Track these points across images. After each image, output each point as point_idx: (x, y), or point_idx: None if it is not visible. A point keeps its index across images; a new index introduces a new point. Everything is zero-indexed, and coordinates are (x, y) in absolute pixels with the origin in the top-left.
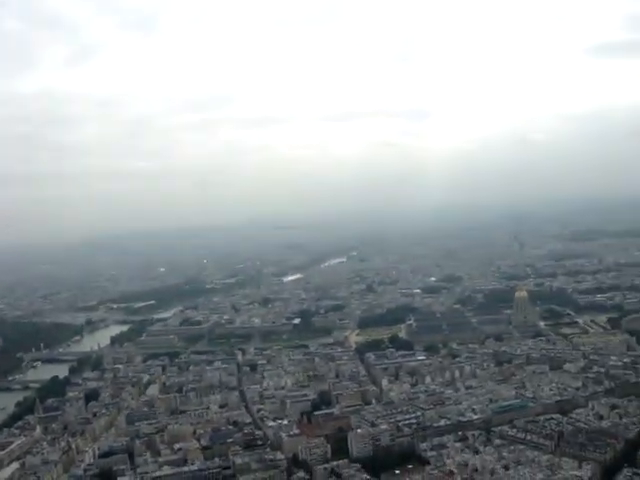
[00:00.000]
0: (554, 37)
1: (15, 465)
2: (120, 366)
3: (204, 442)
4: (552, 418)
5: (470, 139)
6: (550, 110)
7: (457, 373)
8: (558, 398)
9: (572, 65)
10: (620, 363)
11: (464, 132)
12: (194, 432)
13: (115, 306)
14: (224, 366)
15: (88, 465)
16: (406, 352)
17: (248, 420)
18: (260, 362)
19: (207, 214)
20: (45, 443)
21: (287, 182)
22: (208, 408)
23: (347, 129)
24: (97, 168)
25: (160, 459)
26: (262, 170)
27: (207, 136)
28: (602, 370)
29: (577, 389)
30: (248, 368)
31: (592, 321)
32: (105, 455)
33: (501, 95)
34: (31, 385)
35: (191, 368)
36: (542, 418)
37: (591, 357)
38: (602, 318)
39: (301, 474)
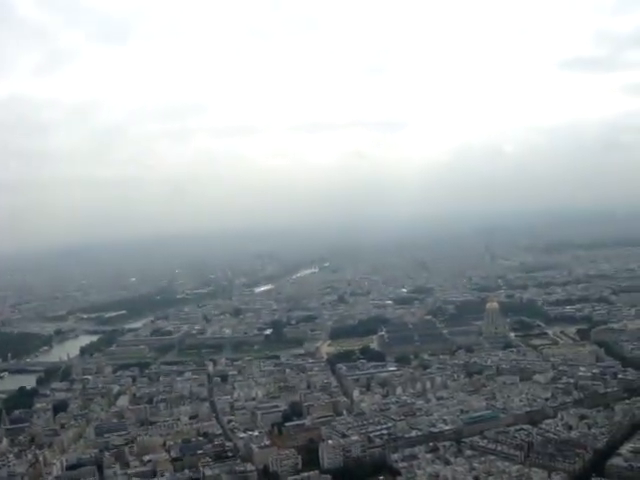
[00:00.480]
0: (526, 50)
1: None
2: (89, 377)
3: (174, 454)
4: (522, 429)
5: (443, 151)
6: (523, 122)
7: (428, 384)
8: (528, 409)
9: (543, 78)
10: (589, 374)
11: (437, 143)
12: (164, 444)
13: (85, 316)
14: (195, 377)
15: (56, 478)
16: (377, 363)
17: (219, 431)
18: (231, 373)
19: (180, 223)
20: (11, 455)
21: (260, 191)
22: (178, 419)
23: (320, 139)
24: (71, 175)
25: (129, 471)
26: (235, 179)
27: (182, 145)
28: (571, 381)
29: (547, 400)
30: (219, 379)
31: (562, 332)
32: (73, 467)
33: (474, 107)
34: None
35: (161, 379)
36: (512, 429)
37: (560, 368)
38: (571, 329)
39: None
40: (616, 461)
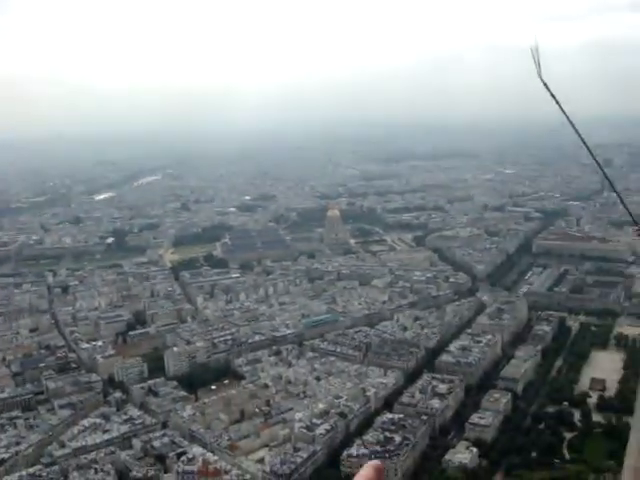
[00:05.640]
0: None
1: None
2: None
3: (15, 368)
4: (361, 330)
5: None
6: None
7: (271, 290)
8: (366, 312)
9: None
10: (423, 278)
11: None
12: (4, 359)
13: None
14: (34, 289)
15: None
16: (221, 270)
17: (61, 343)
18: (72, 283)
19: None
20: None
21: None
22: (18, 333)
23: None
24: None
25: None
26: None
27: None
28: (407, 285)
29: (384, 303)
30: (59, 290)
31: (399, 239)
32: None
33: None
34: None
35: None
36: (352, 331)
37: (397, 273)
38: (408, 236)
39: (117, 394)
40: (445, 357)
